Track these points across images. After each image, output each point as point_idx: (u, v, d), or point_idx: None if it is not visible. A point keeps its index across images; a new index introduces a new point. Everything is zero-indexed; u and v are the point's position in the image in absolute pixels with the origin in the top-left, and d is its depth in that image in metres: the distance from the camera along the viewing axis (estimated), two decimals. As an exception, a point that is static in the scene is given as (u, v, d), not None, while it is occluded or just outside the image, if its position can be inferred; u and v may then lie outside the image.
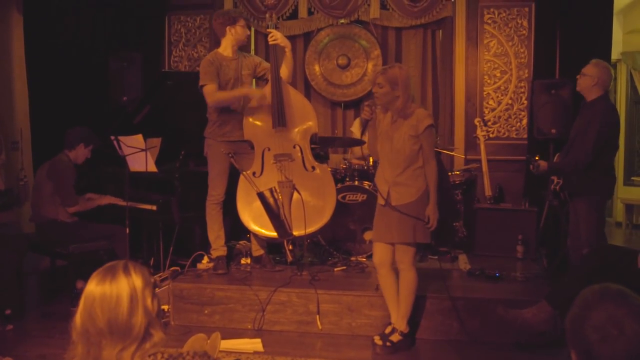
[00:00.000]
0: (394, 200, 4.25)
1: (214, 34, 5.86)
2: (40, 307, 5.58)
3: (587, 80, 5.02)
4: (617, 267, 4.16)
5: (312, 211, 5.23)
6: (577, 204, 5.15)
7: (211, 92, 5.18)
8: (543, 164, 5.18)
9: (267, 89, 5.34)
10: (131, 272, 1.96)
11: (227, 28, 5.29)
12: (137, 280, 1.95)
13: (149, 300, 1.96)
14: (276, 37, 5.29)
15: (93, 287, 1.94)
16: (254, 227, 5.32)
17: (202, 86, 5.21)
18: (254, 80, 5.61)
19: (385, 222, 4.32)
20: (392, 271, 4.41)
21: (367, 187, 5.90)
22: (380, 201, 4.36)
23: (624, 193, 9.30)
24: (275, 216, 5.16)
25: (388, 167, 4.32)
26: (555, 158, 5.32)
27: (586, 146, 4.89)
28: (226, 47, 5.34)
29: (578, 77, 5.10)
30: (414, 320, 4.61)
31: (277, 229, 5.17)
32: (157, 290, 2.04)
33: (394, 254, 4.36)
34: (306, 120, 5.46)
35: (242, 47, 5.53)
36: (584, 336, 1.68)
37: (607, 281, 1.80)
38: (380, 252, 4.38)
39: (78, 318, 1.94)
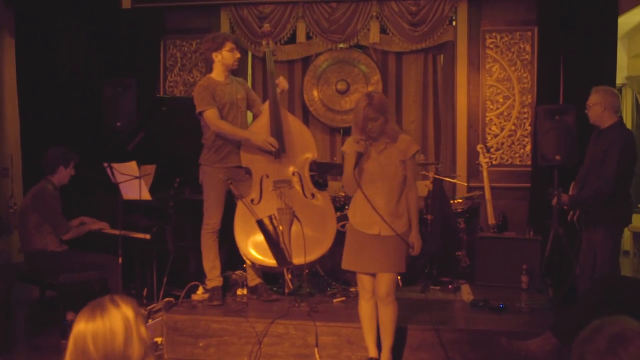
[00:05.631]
0: (387, 230, 4.14)
1: (209, 59, 5.83)
2: (29, 340, 5.48)
3: (595, 109, 5.00)
4: (624, 297, 4.09)
5: (313, 239, 5.14)
6: (593, 234, 5.06)
7: (214, 118, 5.09)
8: (565, 196, 5.12)
9: (266, 128, 5.26)
10: (120, 304, 1.92)
11: (213, 54, 5.22)
12: (128, 310, 1.92)
13: (142, 329, 1.92)
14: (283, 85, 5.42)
15: (83, 326, 1.88)
16: (253, 255, 5.21)
17: (200, 112, 5.12)
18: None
19: (372, 252, 4.19)
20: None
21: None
22: (373, 230, 4.17)
23: (632, 221, 9.15)
24: (274, 244, 5.04)
25: (380, 198, 4.16)
26: (571, 188, 5.23)
27: (607, 176, 4.81)
28: (218, 73, 5.26)
29: (586, 111, 5.07)
30: (414, 353, 4.53)
31: (276, 257, 5.05)
32: (149, 322, 1.97)
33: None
34: (305, 147, 5.41)
35: (235, 72, 5.44)
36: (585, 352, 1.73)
37: (613, 312, 1.85)
38: (368, 282, 4.26)
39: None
